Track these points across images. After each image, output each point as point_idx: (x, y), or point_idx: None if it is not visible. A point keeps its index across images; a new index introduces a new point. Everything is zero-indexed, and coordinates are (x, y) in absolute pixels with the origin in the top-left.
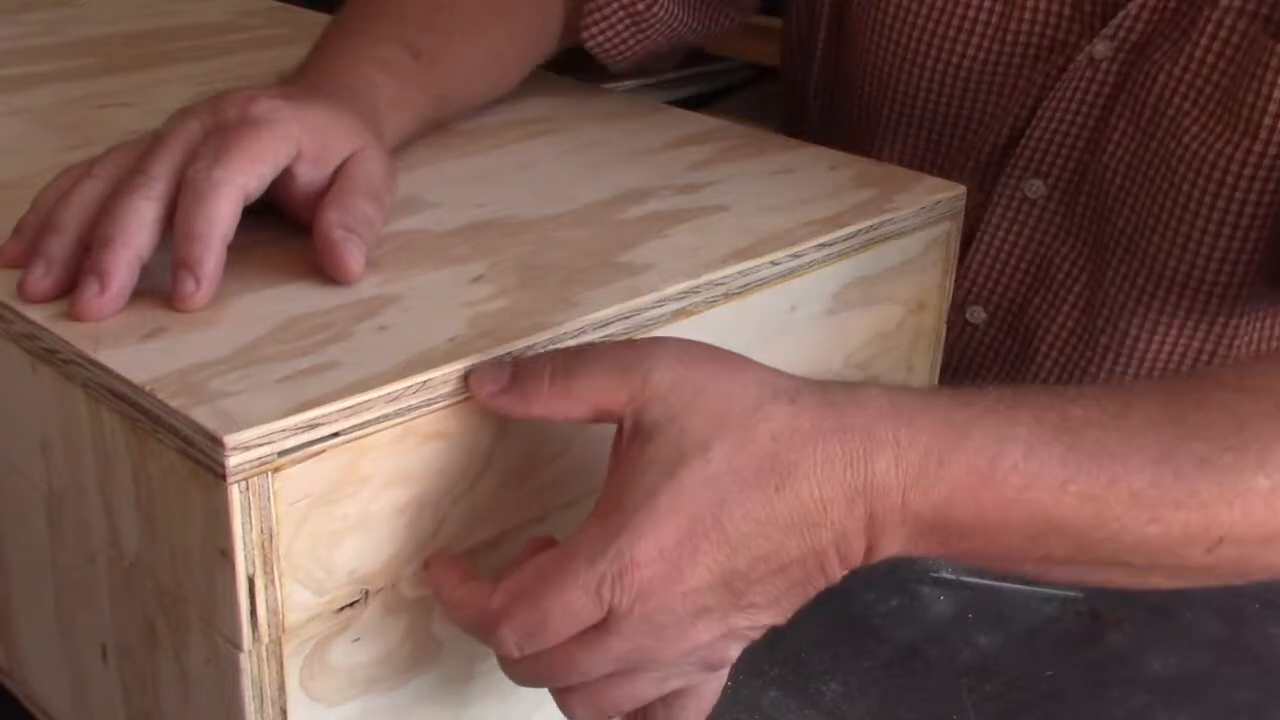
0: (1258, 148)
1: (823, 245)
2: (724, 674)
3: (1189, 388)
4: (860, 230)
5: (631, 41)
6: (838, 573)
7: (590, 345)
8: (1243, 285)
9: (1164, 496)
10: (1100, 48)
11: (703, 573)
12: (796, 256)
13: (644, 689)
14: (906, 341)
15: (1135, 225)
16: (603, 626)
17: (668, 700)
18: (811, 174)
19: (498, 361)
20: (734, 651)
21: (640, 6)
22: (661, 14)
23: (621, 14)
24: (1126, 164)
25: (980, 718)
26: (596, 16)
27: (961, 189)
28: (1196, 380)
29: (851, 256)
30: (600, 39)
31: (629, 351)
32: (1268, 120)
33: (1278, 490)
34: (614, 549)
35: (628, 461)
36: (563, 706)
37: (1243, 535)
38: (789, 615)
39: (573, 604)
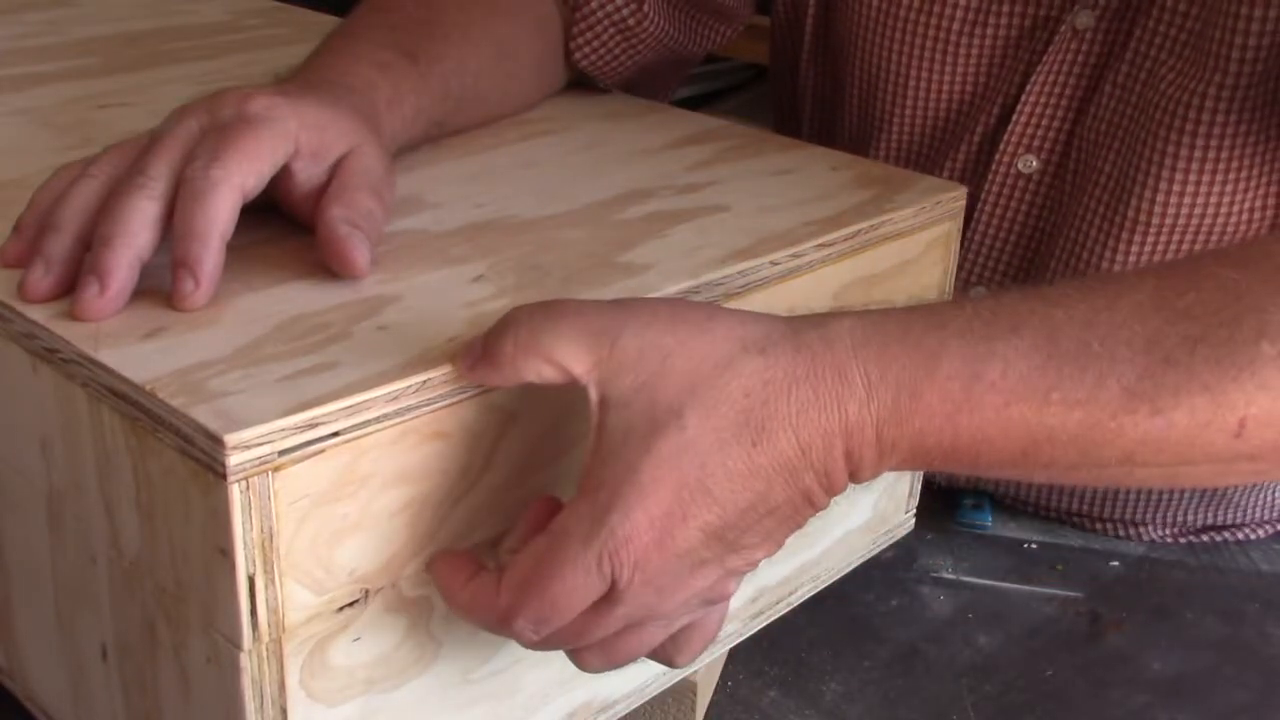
0: (1230, 80)
1: (823, 245)
2: (727, 603)
3: (1182, 269)
4: (860, 230)
5: (623, 57)
6: (825, 502)
7: (558, 302)
8: (1224, 231)
9: (1159, 386)
10: (1082, 18)
11: (695, 533)
12: (796, 256)
13: (653, 636)
14: None
15: (1117, 180)
16: (609, 597)
17: (675, 636)
18: (811, 174)
19: (476, 336)
20: (733, 586)
21: (631, 22)
22: (651, 29)
23: (612, 30)
24: (1107, 122)
25: (980, 718)
26: (589, 35)
27: (961, 189)
28: (1192, 261)
29: (851, 256)
30: (591, 56)
31: (596, 315)
32: (1235, 53)
33: None
34: (606, 527)
35: (604, 434)
36: (577, 662)
37: (1268, 412)
38: (782, 544)
39: (577, 586)
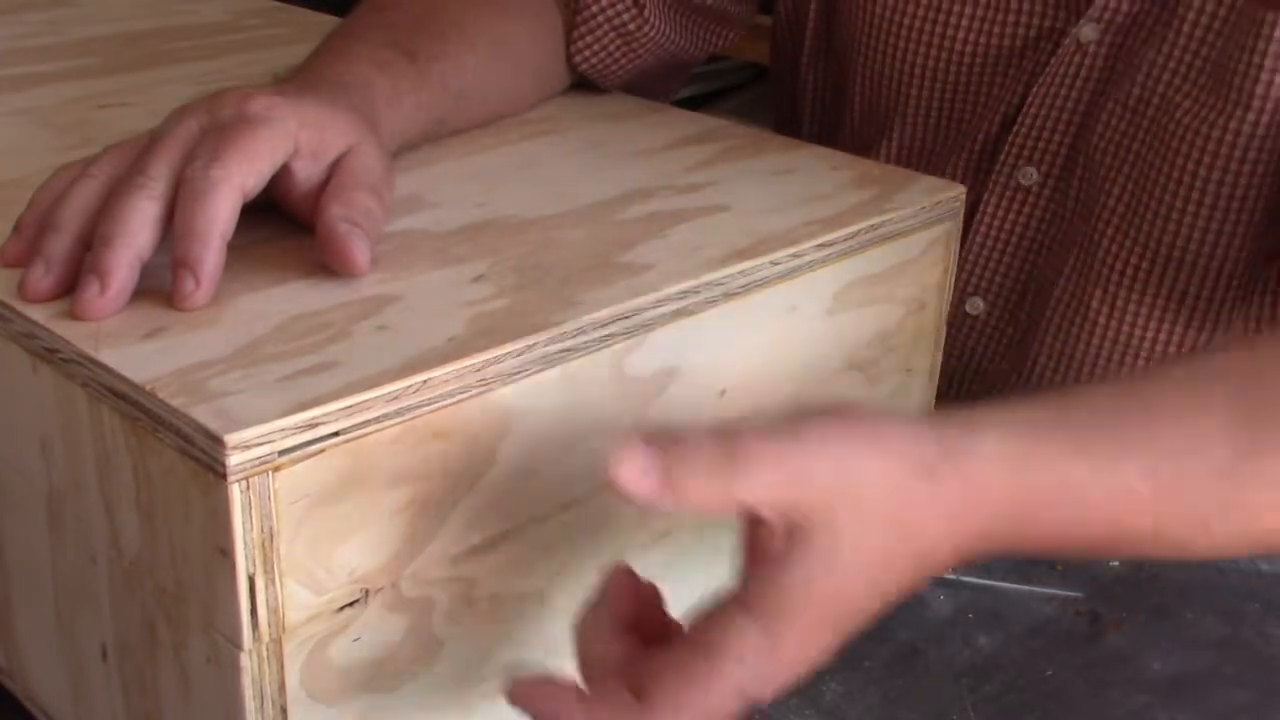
0: (1250, 117)
1: (823, 245)
2: None
3: (1249, 391)
4: (860, 230)
5: (623, 60)
6: None
7: (743, 435)
8: (1238, 262)
9: (1227, 520)
10: (1087, 31)
11: (832, 642)
12: (796, 256)
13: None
14: (907, 341)
15: (1128, 204)
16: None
17: None
18: (811, 174)
19: (647, 444)
20: None
21: (631, 27)
22: (651, 33)
23: (612, 34)
24: (1116, 143)
25: (980, 718)
26: (590, 39)
27: (961, 189)
28: (1254, 379)
29: (852, 256)
30: (592, 59)
31: (787, 450)
32: (1260, 89)
33: None
34: (768, 653)
35: (783, 564)
36: None
37: None
38: None
39: (718, 706)
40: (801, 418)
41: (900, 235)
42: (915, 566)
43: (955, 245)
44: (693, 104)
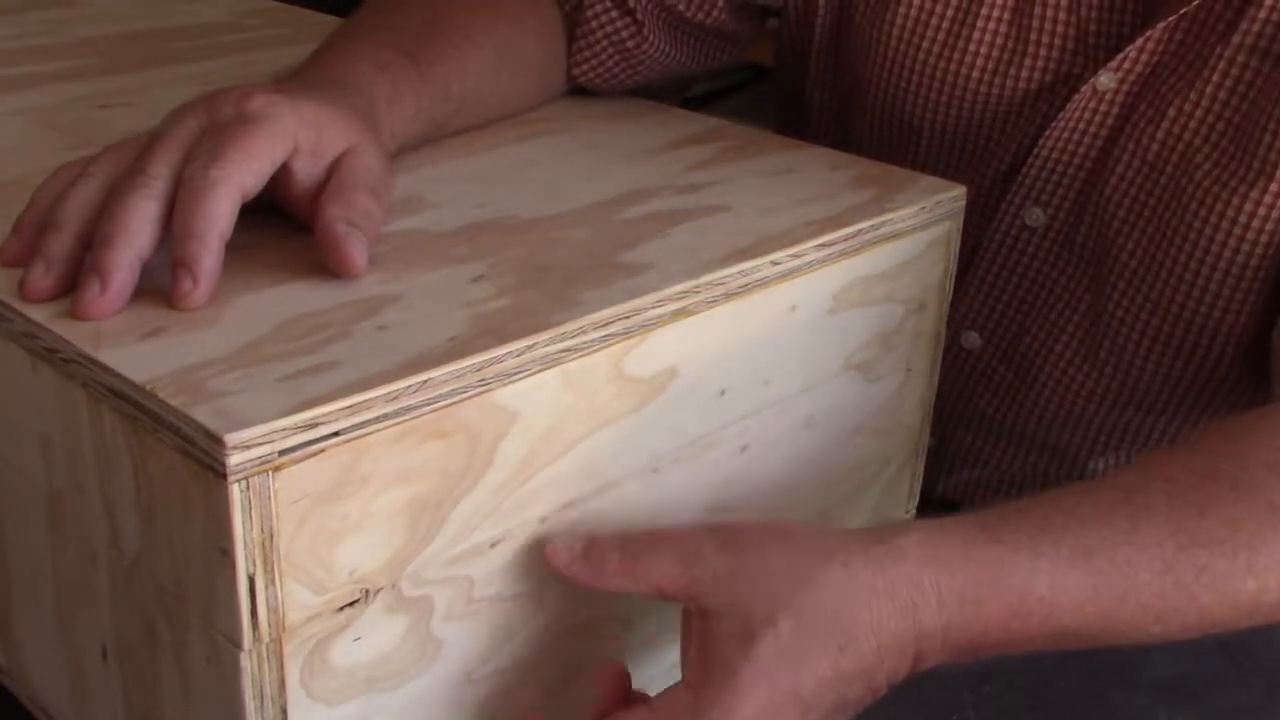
0: (1273, 187)
1: (823, 245)
2: None
3: (1191, 490)
4: (860, 230)
5: (623, 76)
6: (885, 692)
7: (653, 532)
8: (1245, 331)
9: (1168, 605)
10: (1104, 79)
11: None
12: (796, 256)
13: None
14: (906, 342)
15: (1140, 259)
16: None
17: None
18: (811, 174)
19: (573, 535)
20: None
21: (630, 45)
22: (651, 51)
23: (611, 50)
24: (1131, 196)
25: (980, 718)
26: (588, 54)
27: (961, 189)
28: (1198, 480)
29: (852, 256)
30: (590, 74)
31: (688, 541)
32: None
33: (1264, 589)
34: (699, 716)
35: (704, 640)
36: None
37: (1230, 623)
38: None
39: None
40: (730, 523)
41: (900, 235)
42: (853, 659)
43: (955, 246)
44: (693, 104)
